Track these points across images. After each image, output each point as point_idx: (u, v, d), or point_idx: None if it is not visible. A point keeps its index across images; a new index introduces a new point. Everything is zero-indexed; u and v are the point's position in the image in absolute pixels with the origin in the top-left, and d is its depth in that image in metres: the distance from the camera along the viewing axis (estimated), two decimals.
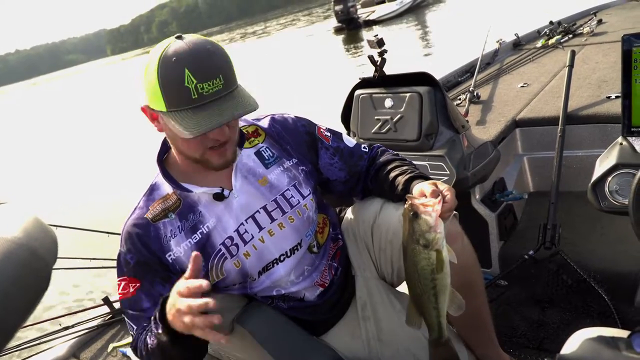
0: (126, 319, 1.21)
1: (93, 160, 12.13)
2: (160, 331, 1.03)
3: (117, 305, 2.25)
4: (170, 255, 1.18)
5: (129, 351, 1.99)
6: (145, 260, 1.17)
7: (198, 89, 1.01)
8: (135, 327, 1.18)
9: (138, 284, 1.17)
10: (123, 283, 1.19)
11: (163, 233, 1.18)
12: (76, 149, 14.61)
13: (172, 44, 1.06)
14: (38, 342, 2.08)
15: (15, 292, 0.42)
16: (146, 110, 1.13)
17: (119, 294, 1.20)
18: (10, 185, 12.19)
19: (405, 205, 1.00)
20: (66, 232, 2.06)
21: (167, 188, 1.21)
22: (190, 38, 1.07)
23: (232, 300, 1.32)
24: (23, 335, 2.21)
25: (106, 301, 2.24)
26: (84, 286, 4.80)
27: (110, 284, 4.42)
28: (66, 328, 2.13)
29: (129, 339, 2.08)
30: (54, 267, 0.48)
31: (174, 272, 1.19)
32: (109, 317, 2.22)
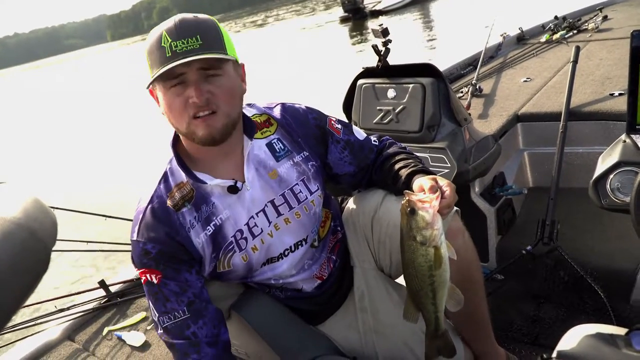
0: (149, 302, 1.18)
1: (93, 143, 12.09)
2: None
3: (113, 289, 2.24)
4: (194, 244, 1.16)
5: (124, 335, 1.99)
6: (169, 249, 1.14)
7: (172, 47, 1.03)
8: (157, 313, 1.16)
9: (160, 275, 1.13)
10: (145, 274, 1.15)
11: (183, 223, 1.15)
12: (77, 133, 14.55)
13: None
14: (32, 323, 2.06)
15: (13, 273, 0.41)
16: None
17: (143, 282, 1.17)
18: (10, 165, 12.15)
19: (403, 201, 0.98)
20: (63, 214, 2.04)
21: (181, 175, 1.18)
22: None
23: (229, 288, 1.32)
24: (17, 316, 2.21)
25: (102, 284, 2.23)
26: (80, 269, 4.79)
27: (106, 267, 4.42)
28: (61, 310, 2.11)
29: (125, 323, 2.08)
30: (53, 249, 0.47)
31: (198, 260, 1.17)
32: (104, 300, 2.22)
